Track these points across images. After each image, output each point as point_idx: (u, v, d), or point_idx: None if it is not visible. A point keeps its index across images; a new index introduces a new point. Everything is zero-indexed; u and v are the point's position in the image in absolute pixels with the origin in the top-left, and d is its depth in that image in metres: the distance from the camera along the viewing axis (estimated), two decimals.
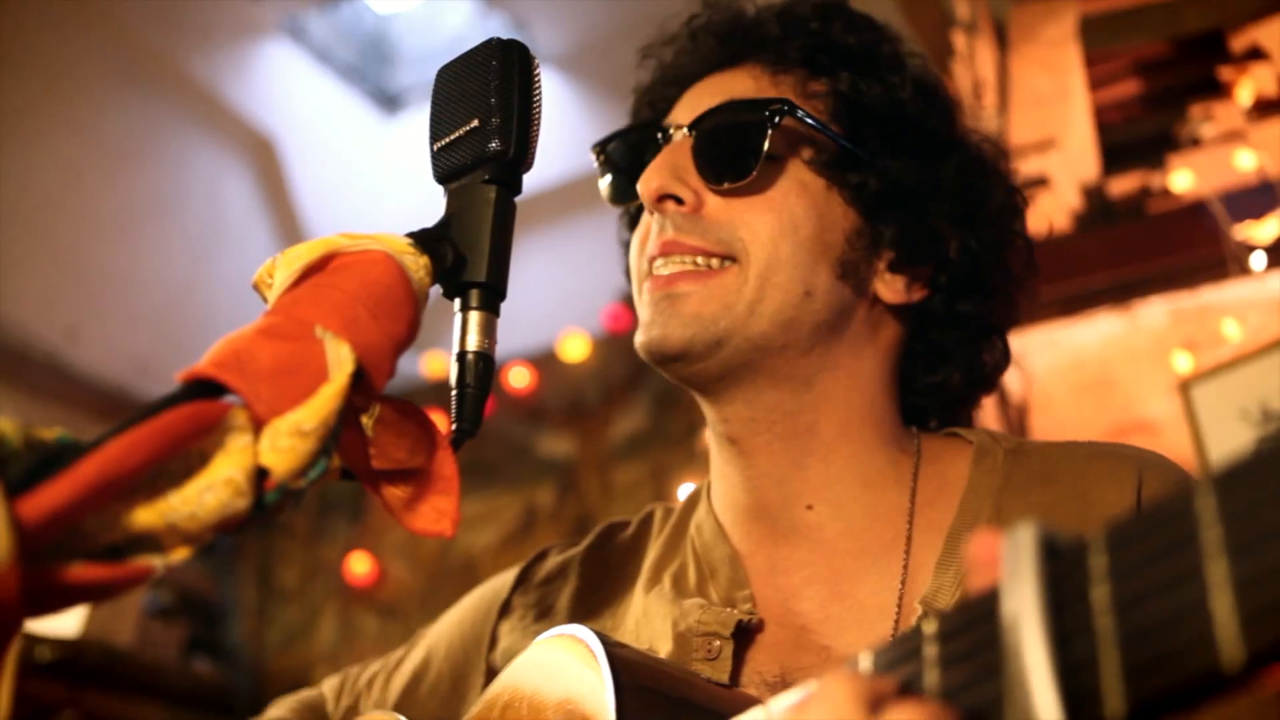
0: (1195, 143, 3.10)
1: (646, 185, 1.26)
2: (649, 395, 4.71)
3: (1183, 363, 2.93)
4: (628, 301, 1.36)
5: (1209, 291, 3.00)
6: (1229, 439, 2.66)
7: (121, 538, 0.74)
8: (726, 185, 1.24)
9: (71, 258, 4.60)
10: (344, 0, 5.10)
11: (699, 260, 1.24)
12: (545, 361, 4.86)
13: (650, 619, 1.26)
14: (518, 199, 1.06)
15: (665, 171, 1.26)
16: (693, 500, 1.39)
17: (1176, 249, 3.02)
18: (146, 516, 0.74)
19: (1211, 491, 0.56)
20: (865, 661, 0.72)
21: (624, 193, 1.36)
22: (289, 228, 5.28)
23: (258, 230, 5.22)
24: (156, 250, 4.87)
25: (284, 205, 5.27)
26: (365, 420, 0.93)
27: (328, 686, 1.45)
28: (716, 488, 1.33)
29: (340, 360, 0.83)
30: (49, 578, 0.69)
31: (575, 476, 4.81)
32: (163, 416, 0.74)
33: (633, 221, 1.40)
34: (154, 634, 4.55)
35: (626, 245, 1.38)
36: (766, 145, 1.23)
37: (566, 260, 4.92)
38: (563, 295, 4.87)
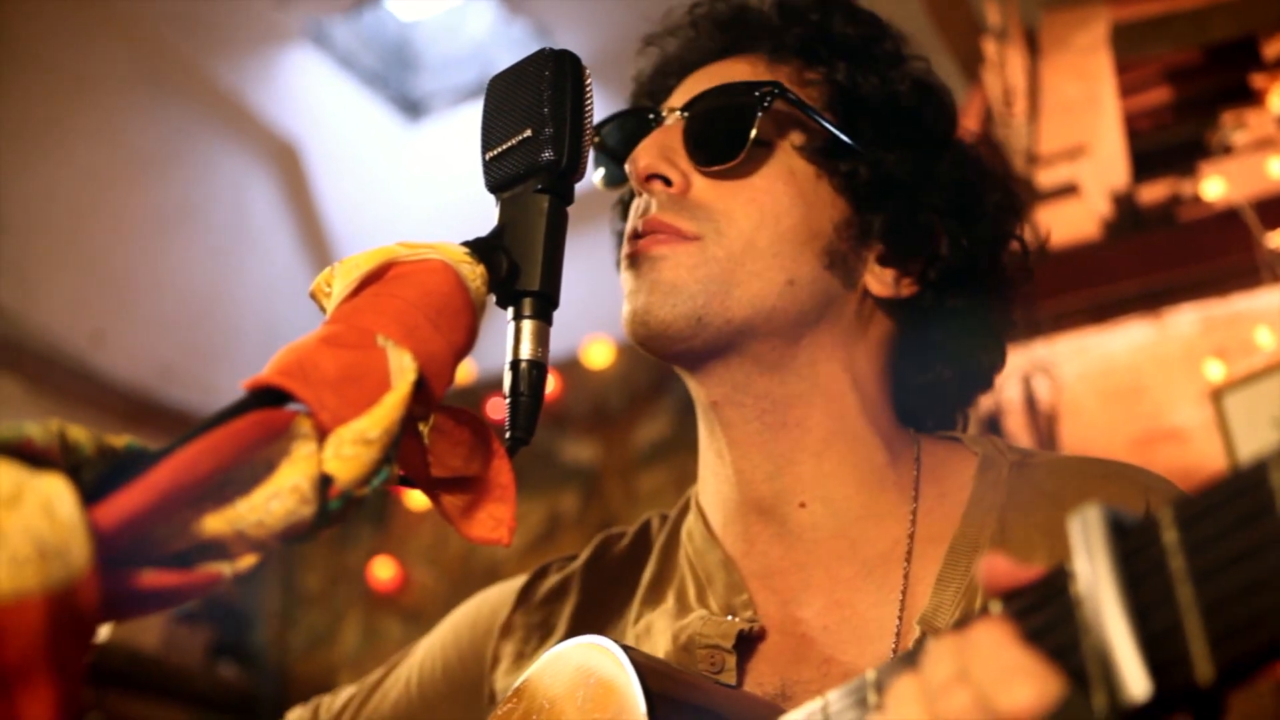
0: (1227, 150, 3.08)
1: (634, 164, 1.26)
2: (673, 401, 4.70)
3: (1214, 371, 2.91)
4: None
5: (1241, 299, 2.98)
6: (1261, 447, 2.64)
7: (190, 545, 0.74)
8: (714, 168, 1.24)
9: (98, 263, 4.63)
10: (367, 7, 5.12)
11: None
12: (569, 368, 4.86)
13: (651, 633, 1.25)
14: None
15: (654, 151, 1.26)
16: (683, 508, 1.37)
17: (1208, 256, 3.00)
18: (215, 524, 0.74)
19: None
20: None
21: (616, 177, 1.36)
22: (313, 233, 5.30)
23: (282, 235, 5.24)
24: (182, 256, 4.89)
25: (308, 211, 5.29)
26: (421, 428, 0.93)
27: (294, 717, 1.41)
28: (707, 487, 1.31)
29: (403, 369, 0.84)
30: (124, 584, 0.69)
31: (599, 483, 4.81)
32: (231, 425, 0.75)
33: (625, 210, 1.39)
34: (179, 638, 4.57)
35: (619, 235, 1.37)
36: (755, 129, 1.23)
37: (591, 266, 4.91)
38: (587, 301, 4.85)
